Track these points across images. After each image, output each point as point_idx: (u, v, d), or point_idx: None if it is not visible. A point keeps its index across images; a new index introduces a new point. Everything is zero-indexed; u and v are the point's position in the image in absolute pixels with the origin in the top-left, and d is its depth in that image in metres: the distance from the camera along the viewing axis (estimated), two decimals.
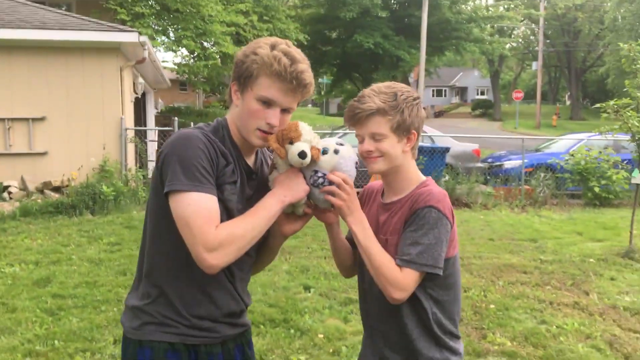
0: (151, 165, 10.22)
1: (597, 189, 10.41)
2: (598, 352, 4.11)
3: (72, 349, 3.91)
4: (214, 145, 1.69)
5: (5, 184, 8.80)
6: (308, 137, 1.73)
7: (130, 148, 9.89)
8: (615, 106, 6.46)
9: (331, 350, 4.02)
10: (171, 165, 1.61)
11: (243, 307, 1.84)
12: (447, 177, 11.12)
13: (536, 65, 47.86)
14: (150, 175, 9.52)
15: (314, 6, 29.72)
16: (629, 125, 6.41)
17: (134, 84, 10.98)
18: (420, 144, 8.51)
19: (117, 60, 9.53)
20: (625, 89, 6.87)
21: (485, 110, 58.69)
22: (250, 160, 1.81)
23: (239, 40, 20.11)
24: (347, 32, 29.51)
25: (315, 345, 4.11)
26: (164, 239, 1.70)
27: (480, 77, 68.98)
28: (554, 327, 4.52)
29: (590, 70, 59.04)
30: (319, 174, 1.73)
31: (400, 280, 1.72)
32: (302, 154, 1.67)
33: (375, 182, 2.09)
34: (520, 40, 64.10)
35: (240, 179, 1.75)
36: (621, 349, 4.17)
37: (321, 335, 4.25)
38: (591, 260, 6.65)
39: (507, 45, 54.24)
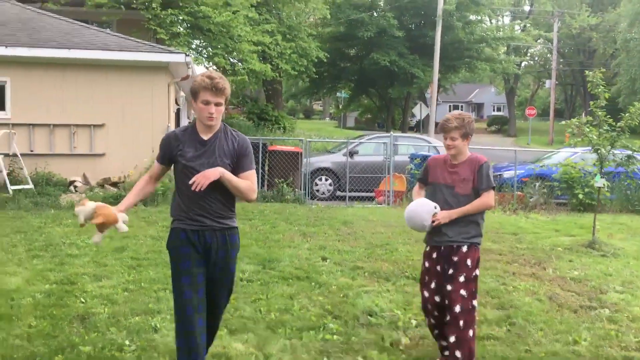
0: None
1: (581, 196, 11.77)
2: (539, 302, 5.56)
3: (155, 288, 5.45)
4: (171, 137, 3.43)
5: (71, 179, 10.47)
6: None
7: None
8: (578, 123, 7.92)
9: (341, 295, 5.52)
10: None
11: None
12: None
13: (550, 83, 49.04)
14: None
15: (334, 25, 31.43)
16: (589, 138, 7.87)
17: (175, 97, 12.63)
18: (425, 153, 10.20)
19: (165, 77, 11.22)
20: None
21: (500, 126, 59.68)
22: (205, 136, 3.37)
23: (264, 58, 21.82)
24: (365, 50, 31.16)
25: (329, 292, 5.61)
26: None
27: (496, 93, 70.15)
28: (511, 287, 5.98)
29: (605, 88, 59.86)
30: None
31: (492, 199, 3.94)
32: None
33: (438, 156, 4.31)
34: (536, 58, 65.17)
35: (193, 148, 3.35)
36: (557, 300, 5.61)
37: (334, 287, 5.74)
38: (559, 248, 8.07)
39: (523, 64, 55.55)
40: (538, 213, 11.65)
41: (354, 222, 9.34)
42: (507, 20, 46.87)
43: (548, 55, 60.86)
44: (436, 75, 27.34)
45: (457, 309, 3.79)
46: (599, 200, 8.41)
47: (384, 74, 31.01)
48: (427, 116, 29.78)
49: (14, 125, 10.62)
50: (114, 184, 10.43)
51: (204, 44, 19.55)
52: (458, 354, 3.77)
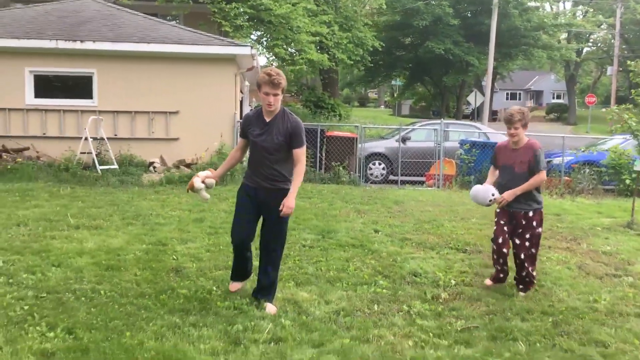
0: None
1: (628, 181, 12.11)
2: (568, 270, 6.24)
3: (231, 250, 6.42)
4: (247, 117, 4.61)
5: (150, 160, 11.67)
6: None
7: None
8: (617, 110, 8.42)
9: (390, 260, 6.35)
10: None
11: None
12: None
13: (611, 70, 47.75)
14: None
15: (390, 14, 31.91)
16: (628, 124, 8.36)
17: (240, 87, 13.66)
18: (474, 139, 10.99)
19: (232, 68, 12.25)
20: None
21: (559, 114, 58.46)
22: (268, 118, 4.44)
23: (321, 47, 22.69)
24: (420, 38, 31.53)
25: (380, 257, 6.44)
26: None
27: (556, 80, 68.60)
28: (544, 257, 6.65)
29: None
30: None
31: (544, 176, 5.23)
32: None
33: (502, 142, 5.47)
34: (599, 44, 63.32)
35: (259, 127, 4.45)
36: (585, 269, 6.27)
37: (384, 253, 6.58)
38: (597, 228, 8.62)
39: (585, 50, 54.15)
40: (584, 197, 12.08)
41: (405, 202, 10.12)
42: (568, 5, 45.93)
43: (612, 41, 59.19)
44: (491, 63, 27.48)
45: (522, 256, 5.27)
46: (638, 182, 8.84)
47: (439, 62, 31.31)
48: (482, 104, 29.94)
49: (100, 112, 11.91)
50: (188, 165, 11.57)
51: (264, 35, 20.55)
52: (526, 279, 5.36)
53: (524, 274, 5.33)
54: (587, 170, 13.80)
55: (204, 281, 5.37)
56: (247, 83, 13.87)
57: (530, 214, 5.26)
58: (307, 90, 27.21)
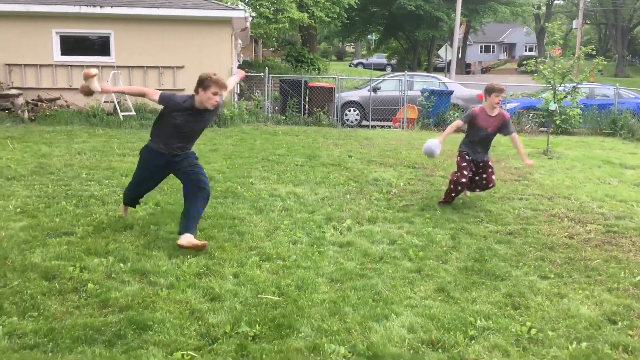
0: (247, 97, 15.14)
1: (558, 122, 14.70)
2: None
3: (244, 168, 8.87)
4: (177, 104, 4.99)
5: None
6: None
7: (236, 87, 14.86)
8: (534, 62, 10.89)
9: (359, 172, 8.85)
10: None
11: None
12: (455, 114, 15.60)
13: (576, 24, 50.07)
14: (247, 106, 14.46)
15: None
16: (544, 74, 10.86)
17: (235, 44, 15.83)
18: (433, 88, 13.75)
19: (228, 29, 14.43)
20: None
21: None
22: (202, 108, 4.96)
23: (301, 6, 24.69)
24: None
25: (352, 171, 8.94)
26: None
27: (527, 34, 70.81)
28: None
29: (637, 28, 60.32)
30: None
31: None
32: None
33: (478, 108, 6.92)
34: None
35: (192, 115, 5.00)
36: (498, 176, 8.85)
37: (355, 169, 9.08)
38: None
39: (555, 2, 56.20)
40: (522, 135, 14.69)
41: (373, 138, 12.62)
42: None
43: None
44: (458, 19, 29.67)
45: (493, 178, 7.14)
46: (552, 120, 11.43)
47: (411, 18, 33.34)
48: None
49: (117, 67, 14.06)
50: None
51: None
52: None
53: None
54: (531, 115, 16.40)
55: (230, 184, 7.82)
56: (239, 42, 16.00)
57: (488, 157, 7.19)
58: (288, 46, 29.22)
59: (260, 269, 4.82)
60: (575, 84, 11.47)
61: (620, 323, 4.05)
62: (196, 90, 4.94)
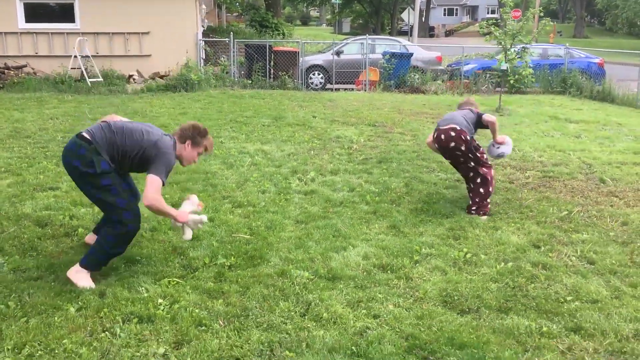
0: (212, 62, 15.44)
1: (512, 82, 15.44)
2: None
3: (214, 128, 9.33)
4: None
5: (129, 73, 14.17)
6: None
7: (202, 52, 15.16)
8: (485, 24, 11.50)
9: (323, 131, 9.40)
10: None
11: None
12: (415, 76, 16.19)
13: None
14: (214, 71, 14.78)
15: None
16: (495, 35, 11.49)
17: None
18: (394, 50, 14.28)
19: None
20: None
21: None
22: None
23: None
24: None
25: (316, 130, 9.48)
26: None
27: None
28: (426, 129, 9.85)
29: None
30: None
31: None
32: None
33: None
34: None
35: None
36: None
37: (319, 128, 9.62)
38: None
39: None
40: (479, 95, 15.41)
41: (337, 100, 13.14)
42: None
43: None
44: None
45: None
46: (503, 80, 12.14)
47: None
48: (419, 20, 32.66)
49: (82, 33, 14.17)
50: (162, 77, 14.16)
51: None
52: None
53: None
54: (488, 75, 17.11)
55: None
56: (203, 7, 16.16)
57: None
58: (252, 10, 29.22)
59: (233, 214, 5.38)
60: (524, 44, 12.13)
61: (543, 247, 4.77)
62: (182, 140, 3.98)
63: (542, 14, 11.36)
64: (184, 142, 3.98)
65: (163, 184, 3.73)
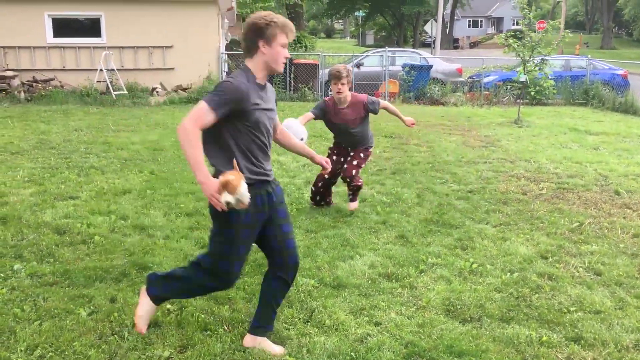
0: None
1: (532, 93, 15.38)
2: (454, 144, 9.49)
3: None
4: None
5: (152, 86, 14.49)
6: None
7: (224, 65, 15.44)
8: (504, 36, 11.52)
9: None
10: None
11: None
12: (435, 87, 16.22)
13: None
14: None
15: None
16: (513, 47, 11.49)
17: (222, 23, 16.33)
18: (413, 63, 14.38)
19: (215, 9, 14.92)
20: None
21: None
22: (263, 82, 2.99)
23: None
24: None
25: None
26: None
27: (513, 7, 71.06)
28: (442, 139, 9.88)
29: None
30: None
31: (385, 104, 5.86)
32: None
33: (328, 99, 5.65)
34: None
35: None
36: (467, 144, 9.52)
37: None
38: (492, 123, 11.89)
39: None
40: (499, 106, 15.37)
41: None
42: None
43: None
44: None
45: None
46: (523, 90, 12.12)
47: None
48: (442, 32, 32.69)
49: (108, 47, 14.56)
50: (184, 89, 14.45)
51: None
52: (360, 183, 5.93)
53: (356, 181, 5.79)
54: (509, 87, 17.05)
55: None
56: (226, 21, 16.48)
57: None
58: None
59: None
60: (543, 56, 12.11)
61: (550, 259, 4.77)
62: (248, 52, 2.94)
63: (559, 25, 11.29)
64: (255, 50, 2.92)
65: (213, 112, 2.76)
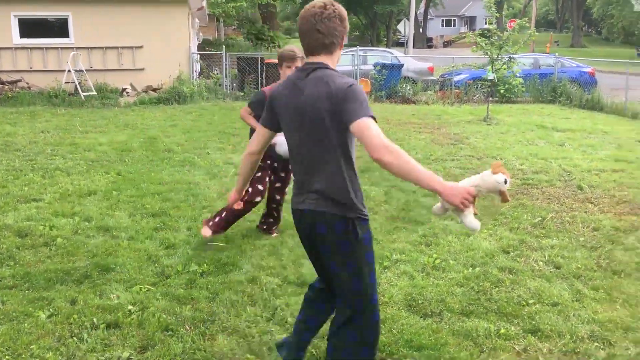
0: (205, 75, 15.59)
1: (502, 91, 15.58)
2: (422, 141, 9.57)
3: (201, 141, 9.45)
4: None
5: (122, 87, 14.33)
6: None
7: (196, 65, 15.33)
8: (472, 35, 11.66)
9: None
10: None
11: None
12: (407, 86, 16.33)
13: None
14: (206, 83, 14.93)
15: None
16: (481, 46, 11.64)
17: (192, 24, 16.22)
18: (385, 62, 14.40)
19: (185, 9, 14.82)
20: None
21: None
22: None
23: None
24: None
25: None
26: None
27: (484, 6, 71.88)
28: (412, 137, 9.96)
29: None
30: None
31: None
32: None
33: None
34: None
35: None
36: (435, 141, 9.61)
37: None
38: (462, 121, 12.02)
39: None
40: (468, 104, 15.54)
41: None
42: None
43: None
44: None
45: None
46: (492, 88, 12.28)
47: None
48: (415, 31, 32.91)
49: (76, 48, 14.36)
50: (155, 90, 14.32)
51: None
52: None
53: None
54: (479, 85, 17.24)
55: (187, 154, 8.41)
56: (197, 21, 16.37)
57: None
58: (248, 24, 29.49)
59: None
60: (510, 54, 12.29)
61: (512, 253, 4.85)
62: (335, 45, 2.60)
63: (528, 24, 11.49)
64: (339, 45, 2.64)
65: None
